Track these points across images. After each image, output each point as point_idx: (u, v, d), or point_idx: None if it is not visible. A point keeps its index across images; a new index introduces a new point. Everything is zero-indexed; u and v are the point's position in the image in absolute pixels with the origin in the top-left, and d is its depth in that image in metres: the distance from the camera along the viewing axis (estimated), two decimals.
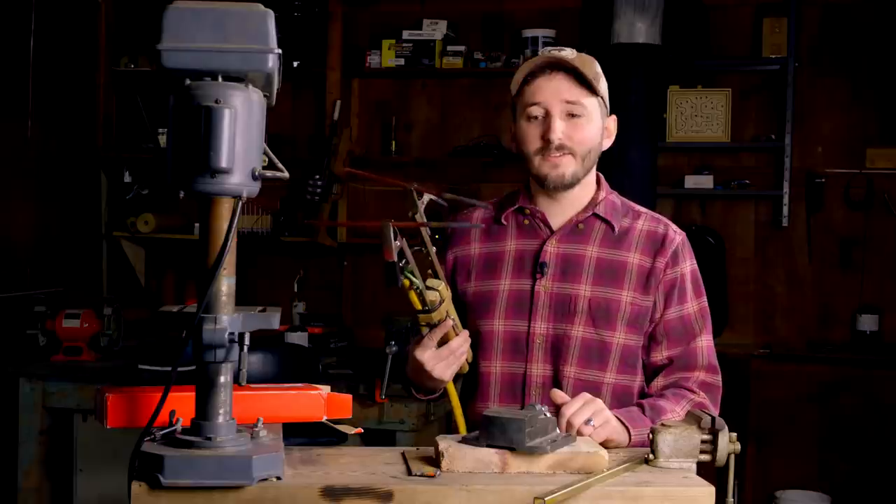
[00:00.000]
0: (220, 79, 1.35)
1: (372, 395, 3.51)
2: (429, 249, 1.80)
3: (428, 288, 1.77)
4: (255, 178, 1.37)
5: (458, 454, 1.49)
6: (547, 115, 1.94)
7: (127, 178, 5.15)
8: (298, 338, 4.26)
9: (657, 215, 2.08)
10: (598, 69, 1.98)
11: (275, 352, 3.41)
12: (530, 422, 1.48)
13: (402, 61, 4.91)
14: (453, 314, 1.85)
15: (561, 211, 2.02)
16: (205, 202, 1.38)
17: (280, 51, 1.38)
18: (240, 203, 1.37)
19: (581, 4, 4.70)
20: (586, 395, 1.79)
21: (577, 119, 1.95)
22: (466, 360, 1.93)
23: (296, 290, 4.89)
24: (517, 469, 1.48)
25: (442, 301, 1.80)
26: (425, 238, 1.78)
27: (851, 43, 4.76)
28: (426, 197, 1.78)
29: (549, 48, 2.01)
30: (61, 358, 4.08)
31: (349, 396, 1.65)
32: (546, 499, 1.36)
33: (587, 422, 1.73)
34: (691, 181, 4.82)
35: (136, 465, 1.38)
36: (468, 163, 4.90)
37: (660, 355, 1.99)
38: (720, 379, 2.01)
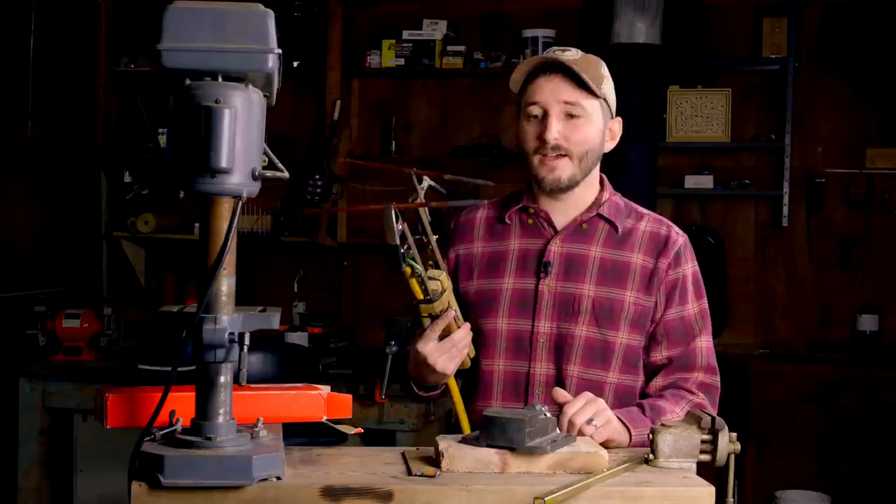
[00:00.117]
0: (220, 79, 1.35)
1: (372, 395, 3.51)
2: (429, 237, 1.78)
3: (429, 278, 1.76)
4: (255, 178, 1.37)
5: (458, 454, 1.49)
6: (545, 115, 1.95)
7: (127, 178, 5.15)
8: (298, 338, 4.26)
9: (660, 217, 2.09)
10: (604, 71, 1.98)
11: (275, 352, 3.41)
12: (530, 422, 1.48)
13: (402, 61, 4.91)
14: (455, 305, 1.85)
15: (564, 210, 2.03)
16: (205, 202, 1.38)
17: (280, 51, 1.37)
18: (240, 203, 1.37)
19: (581, 4, 4.70)
20: (588, 395, 1.79)
21: (575, 120, 1.95)
22: (468, 354, 1.92)
23: (296, 290, 4.89)
24: (517, 469, 1.48)
25: (443, 291, 1.79)
26: (425, 224, 1.76)
27: (851, 43, 4.76)
28: (426, 182, 1.78)
29: (553, 48, 2.01)
30: (61, 358, 4.08)
31: (349, 396, 1.65)
32: (546, 499, 1.36)
33: (589, 421, 1.73)
34: (691, 181, 4.82)
35: (136, 465, 1.38)
36: (468, 163, 4.90)
37: (659, 355, 2.00)
38: (719, 380, 2.01)
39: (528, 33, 4.80)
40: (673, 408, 1.91)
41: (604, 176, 2.08)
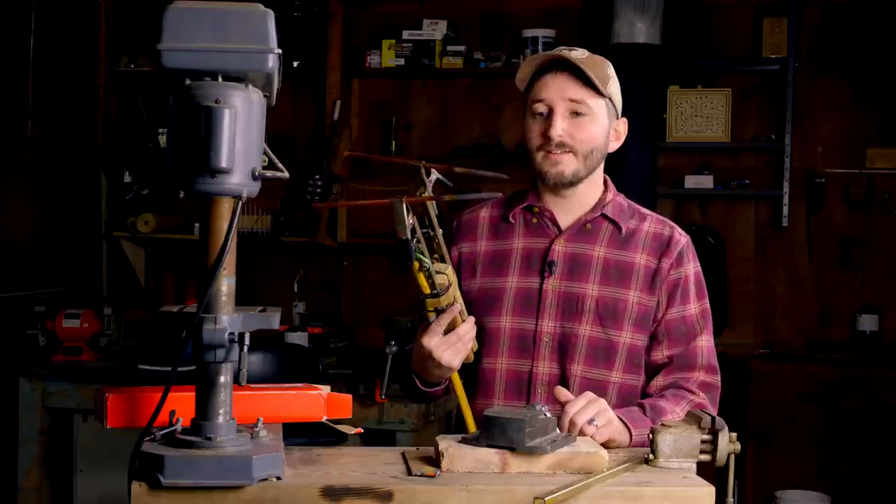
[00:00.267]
0: (220, 79, 1.35)
1: (372, 395, 3.51)
2: (436, 231, 1.78)
3: (437, 272, 1.76)
4: (255, 178, 1.37)
5: (458, 454, 1.49)
6: (550, 113, 1.95)
7: (127, 178, 5.15)
8: (298, 338, 4.25)
9: (663, 218, 2.10)
10: (610, 71, 1.99)
11: (275, 352, 3.41)
12: (530, 422, 1.48)
13: (402, 61, 4.91)
14: (460, 299, 1.85)
15: (569, 210, 2.03)
16: (205, 202, 1.38)
17: (280, 51, 1.37)
18: (240, 203, 1.37)
19: (581, 4, 4.70)
20: (590, 395, 1.79)
21: (580, 118, 1.95)
22: (472, 348, 1.92)
23: (296, 290, 4.89)
24: (517, 469, 1.48)
25: (450, 285, 1.79)
26: (432, 217, 1.76)
27: (851, 43, 4.76)
28: (434, 175, 1.77)
29: (560, 47, 2.02)
30: (61, 358, 4.08)
31: (349, 396, 1.65)
32: (546, 499, 1.36)
33: (590, 421, 1.73)
34: (691, 181, 4.82)
35: (136, 465, 1.38)
36: (468, 163, 4.82)
37: (660, 354, 2.00)
38: (719, 379, 2.02)
39: (528, 33, 4.80)
40: (673, 408, 1.92)
41: (607, 177, 2.09)
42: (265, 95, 1.41)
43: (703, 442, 1.53)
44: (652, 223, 2.06)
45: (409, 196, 1.69)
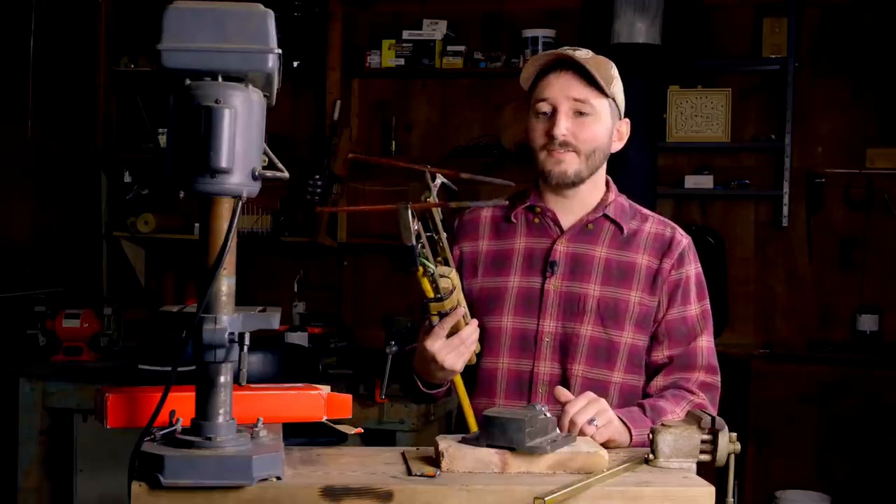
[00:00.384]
0: (220, 79, 1.35)
1: (372, 395, 3.51)
2: (440, 234, 1.78)
3: (441, 276, 1.76)
4: (255, 178, 1.37)
5: (458, 454, 1.49)
6: (554, 112, 1.96)
7: (127, 178, 5.15)
8: (298, 338, 4.25)
9: (664, 219, 2.10)
10: (614, 72, 2.00)
11: (275, 352, 3.41)
12: (530, 422, 1.48)
13: (402, 61, 4.91)
14: (463, 302, 1.85)
15: (571, 210, 2.04)
16: (205, 202, 1.38)
17: (280, 51, 1.37)
18: (240, 203, 1.37)
19: (581, 4, 4.70)
20: (590, 395, 1.79)
21: (584, 118, 1.96)
22: (475, 350, 1.92)
23: (296, 290, 4.89)
24: (517, 469, 1.48)
25: (453, 289, 1.79)
26: (437, 221, 1.76)
27: (851, 43, 4.76)
28: (439, 179, 1.77)
29: (564, 47, 2.02)
30: (61, 358, 4.08)
31: (349, 396, 1.65)
32: (546, 499, 1.36)
33: (591, 421, 1.73)
34: (691, 181, 4.82)
35: (136, 465, 1.38)
36: (468, 163, 4.89)
37: (660, 354, 2.00)
38: (719, 379, 2.02)
39: (528, 33, 4.80)
40: (673, 408, 1.92)
41: (609, 178, 2.09)
42: (265, 95, 1.41)
43: (703, 442, 1.53)
44: (653, 224, 2.06)
45: (415, 202, 1.69)
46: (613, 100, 1.99)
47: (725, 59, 4.86)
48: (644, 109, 4.25)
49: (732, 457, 1.53)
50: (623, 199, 2.09)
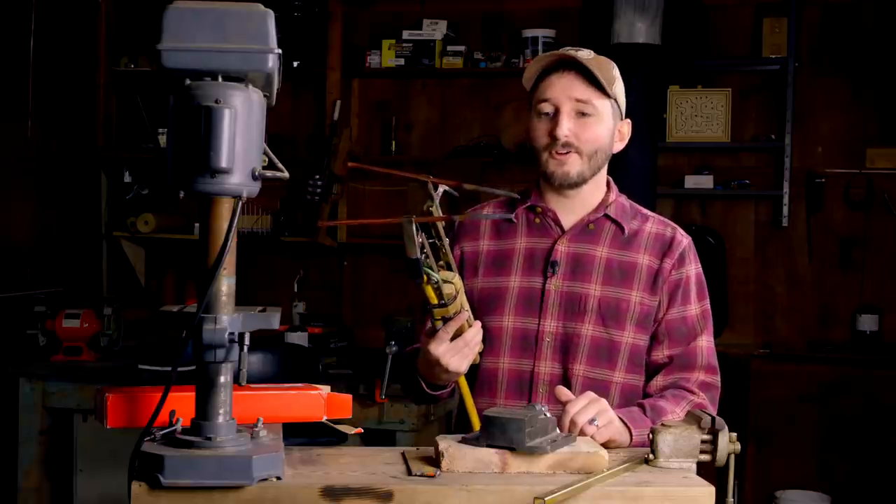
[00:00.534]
0: (220, 79, 1.35)
1: (372, 395, 3.51)
2: (443, 242, 1.79)
3: (444, 281, 1.76)
4: (255, 178, 1.37)
5: (458, 454, 1.49)
6: (556, 112, 1.96)
7: (127, 178, 5.15)
8: (298, 338, 4.26)
9: (665, 219, 2.10)
10: (615, 73, 2.00)
11: (275, 352, 3.41)
12: (530, 422, 1.48)
13: (402, 61, 4.91)
14: (466, 306, 1.85)
15: (572, 210, 2.04)
16: (205, 202, 1.38)
17: (280, 51, 1.37)
18: (240, 203, 1.37)
19: (581, 4, 4.70)
20: (591, 394, 1.79)
21: (586, 118, 1.96)
22: (479, 351, 1.93)
23: (296, 290, 4.89)
24: (517, 469, 1.48)
25: (457, 294, 1.79)
26: (440, 229, 1.77)
27: (851, 43, 4.76)
28: (441, 188, 1.78)
29: (567, 48, 2.02)
30: (61, 358, 4.08)
31: (349, 396, 1.65)
32: (546, 499, 1.36)
33: (591, 421, 1.73)
34: (691, 181, 4.82)
35: (136, 465, 1.38)
36: (468, 163, 4.90)
37: (660, 354, 2.01)
38: (719, 379, 2.02)
39: (528, 33, 4.80)
40: (673, 408, 1.92)
41: (610, 178, 2.09)
42: (265, 95, 1.41)
43: (703, 442, 1.53)
44: (654, 224, 2.06)
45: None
46: (615, 100, 2.00)
47: (725, 59, 4.86)
48: (644, 109, 4.25)
49: (732, 457, 1.53)
50: (624, 200, 2.09)
